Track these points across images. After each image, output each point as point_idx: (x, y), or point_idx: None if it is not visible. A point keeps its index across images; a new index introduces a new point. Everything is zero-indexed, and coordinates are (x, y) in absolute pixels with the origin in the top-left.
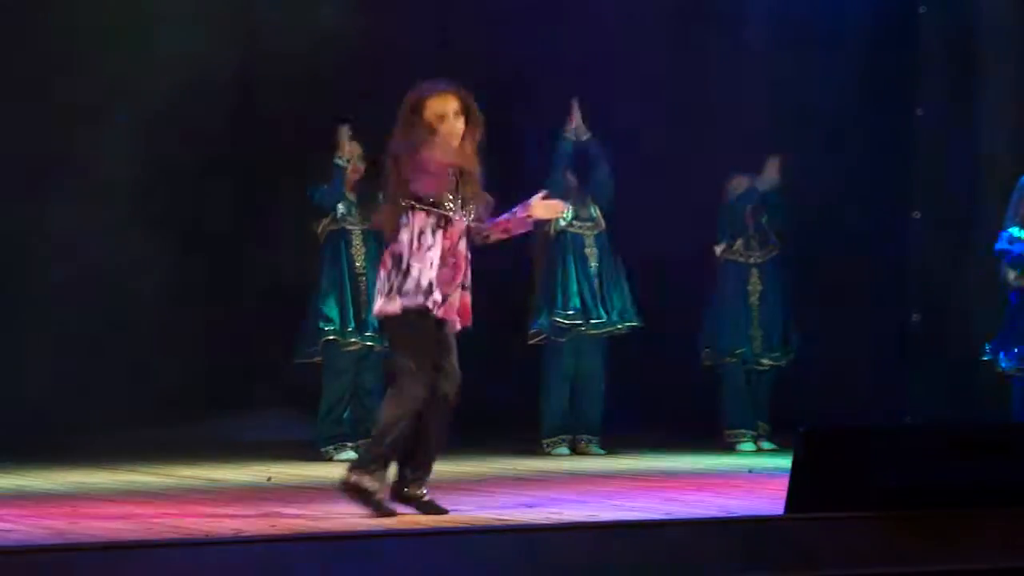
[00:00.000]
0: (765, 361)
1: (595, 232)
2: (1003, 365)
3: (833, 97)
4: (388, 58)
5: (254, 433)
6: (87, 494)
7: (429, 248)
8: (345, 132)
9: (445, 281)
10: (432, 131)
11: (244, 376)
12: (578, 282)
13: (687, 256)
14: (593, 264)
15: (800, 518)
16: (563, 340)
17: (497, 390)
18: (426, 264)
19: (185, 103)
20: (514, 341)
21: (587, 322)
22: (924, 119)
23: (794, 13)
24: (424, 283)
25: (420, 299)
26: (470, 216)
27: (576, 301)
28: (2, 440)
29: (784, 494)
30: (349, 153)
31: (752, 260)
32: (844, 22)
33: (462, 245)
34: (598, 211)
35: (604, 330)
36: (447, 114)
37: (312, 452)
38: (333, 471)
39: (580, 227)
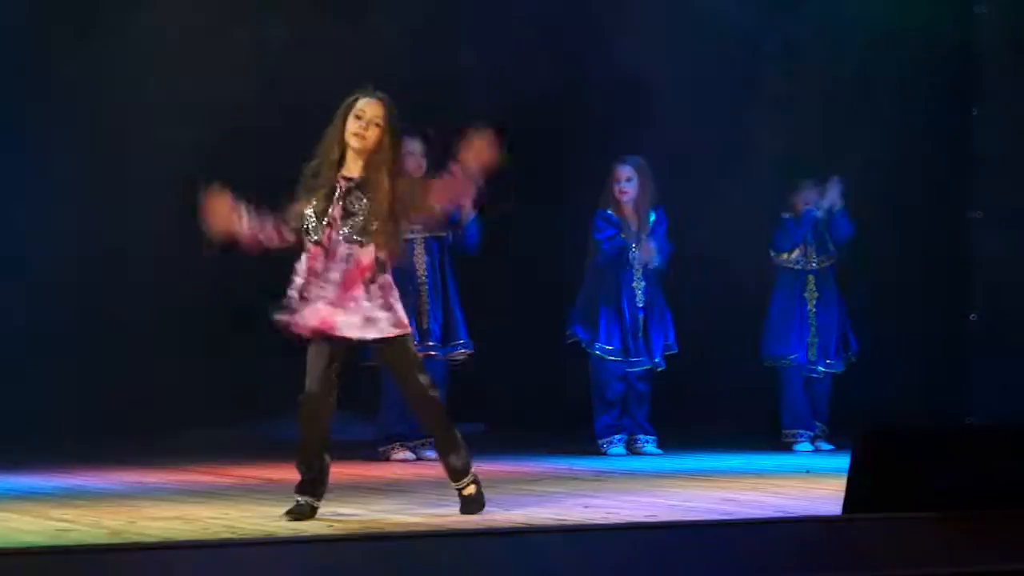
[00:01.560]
0: (821, 369)
1: (643, 264)
2: None
3: (890, 97)
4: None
5: None
6: (144, 494)
7: None
8: None
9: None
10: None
11: (302, 376)
12: (619, 321)
13: (749, 254)
14: (640, 299)
15: (858, 519)
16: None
17: (553, 390)
18: None
19: (240, 105)
20: (569, 342)
21: (626, 360)
22: (981, 118)
23: (850, 13)
24: None
25: None
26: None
27: (616, 342)
28: (60, 440)
29: (842, 494)
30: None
31: (809, 267)
32: (901, 22)
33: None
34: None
35: (644, 368)
36: (365, 114)
37: (370, 452)
38: (391, 471)
39: (632, 260)
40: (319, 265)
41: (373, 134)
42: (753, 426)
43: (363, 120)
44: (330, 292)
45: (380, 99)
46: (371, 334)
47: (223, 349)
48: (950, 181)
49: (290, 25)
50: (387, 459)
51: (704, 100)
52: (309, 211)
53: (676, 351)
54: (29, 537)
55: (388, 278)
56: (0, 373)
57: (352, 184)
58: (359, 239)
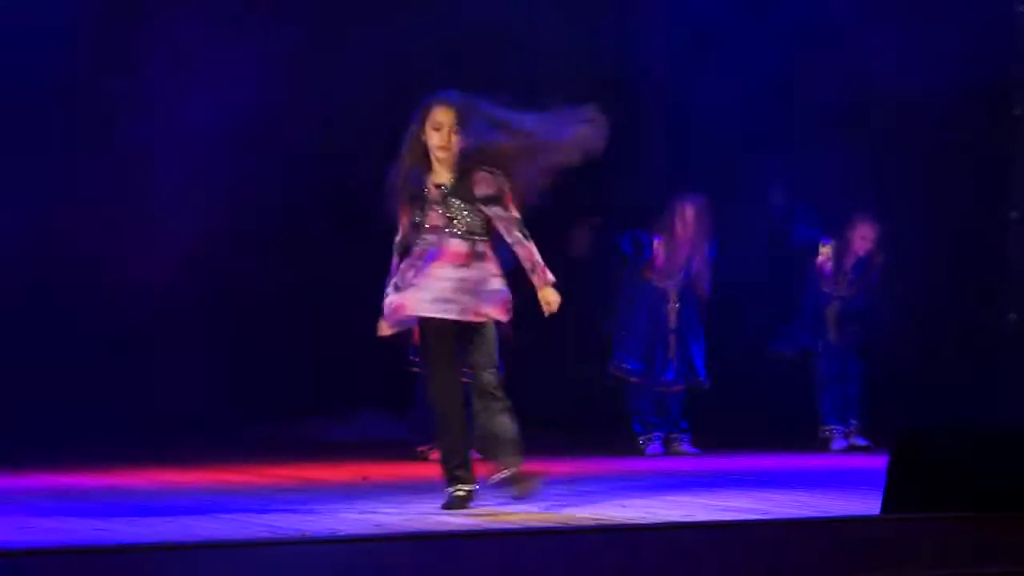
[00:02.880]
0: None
1: (680, 287)
2: None
3: (930, 97)
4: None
5: (349, 433)
6: (181, 494)
7: None
8: None
9: None
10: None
11: (339, 376)
12: (648, 339)
13: (776, 253)
14: (674, 320)
15: (896, 518)
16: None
17: (590, 389)
18: None
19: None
20: (603, 342)
21: (657, 379)
22: (1022, 119)
23: (891, 13)
24: None
25: None
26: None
27: (637, 362)
28: (93, 437)
29: (880, 494)
30: None
31: (838, 294)
32: (941, 23)
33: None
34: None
35: (673, 388)
36: (443, 126)
37: (408, 452)
38: (429, 471)
39: (666, 284)
40: (426, 263)
41: (455, 141)
42: (789, 425)
43: (442, 131)
44: (442, 285)
45: (450, 104)
46: (468, 317)
47: (258, 349)
48: (988, 181)
49: (315, 28)
50: (426, 459)
51: (737, 105)
52: (417, 219)
53: (706, 384)
54: (65, 536)
55: (486, 268)
56: (36, 374)
57: (445, 191)
58: (460, 237)
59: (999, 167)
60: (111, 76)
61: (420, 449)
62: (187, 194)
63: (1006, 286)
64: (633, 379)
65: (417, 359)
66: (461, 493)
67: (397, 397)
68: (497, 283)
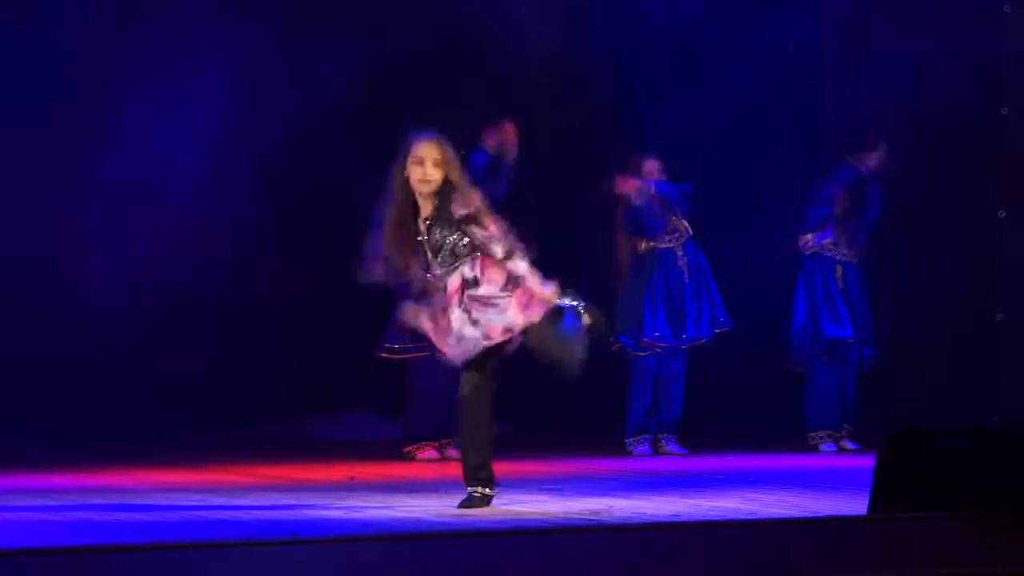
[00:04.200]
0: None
1: (683, 241)
2: None
3: (917, 97)
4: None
5: (337, 433)
6: (170, 494)
7: None
8: None
9: None
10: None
11: (328, 376)
12: (667, 301)
13: (767, 253)
14: (686, 276)
15: (884, 518)
16: (647, 354)
17: (580, 390)
18: None
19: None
20: (596, 342)
21: (678, 338)
22: (1008, 118)
23: (876, 12)
24: None
25: None
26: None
27: (664, 326)
28: (87, 438)
29: (867, 494)
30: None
31: (838, 257)
32: (928, 23)
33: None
34: (683, 218)
35: (696, 343)
36: (424, 160)
37: (395, 451)
38: (417, 470)
39: (670, 241)
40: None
41: (437, 174)
42: (778, 426)
43: (425, 166)
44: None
45: (432, 139)
46: (460, 356)
47: (247, 350)
48: (976, 181)
49: (285, 33)
50: (413, 459)
51: (729, 105)
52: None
53: (730, 327)
54: (54, 536)
55: (479, 291)
56: (26, 375)
57: (429, 223)
58: (451, 267)
59: (987, 166)
60: (94, 79)
61: (407, 449)
62: (184, 193)
63: (995, 285)
64: (666, 343)
65: (394, 345)
66: (482, 494)
67: (386, 397)
68: (499, 301)
